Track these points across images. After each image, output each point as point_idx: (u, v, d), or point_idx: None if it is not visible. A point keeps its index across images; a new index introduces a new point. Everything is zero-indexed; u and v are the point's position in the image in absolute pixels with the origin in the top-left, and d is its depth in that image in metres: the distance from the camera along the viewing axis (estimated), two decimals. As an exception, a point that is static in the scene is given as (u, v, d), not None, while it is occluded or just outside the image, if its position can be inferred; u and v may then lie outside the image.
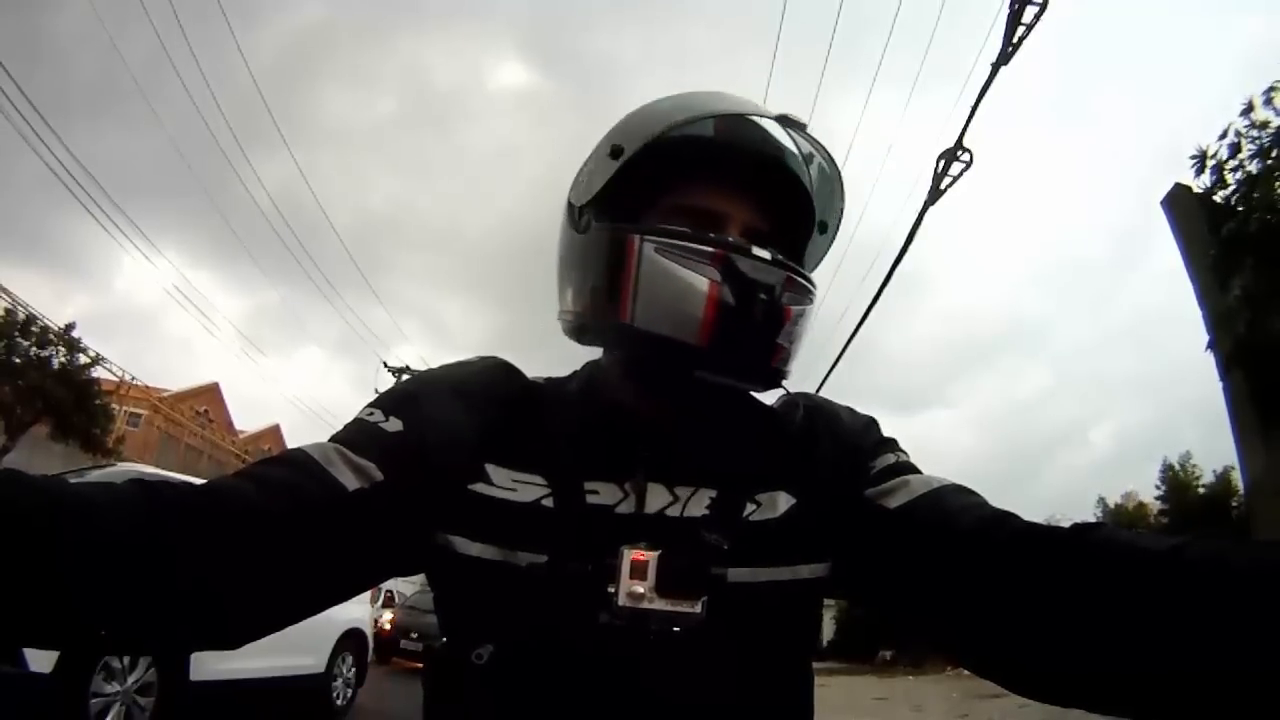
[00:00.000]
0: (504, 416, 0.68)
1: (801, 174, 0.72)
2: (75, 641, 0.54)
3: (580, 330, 0.71)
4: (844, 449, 0.70)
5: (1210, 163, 5.21)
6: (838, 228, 0.77)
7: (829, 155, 0.71)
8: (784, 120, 0.68)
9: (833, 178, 0.73)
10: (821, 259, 0.78)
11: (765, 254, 0.64)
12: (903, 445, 0.73)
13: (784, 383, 0.69)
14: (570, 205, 0.71)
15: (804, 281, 0.66)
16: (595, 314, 0.67)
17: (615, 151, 0.66)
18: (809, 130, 0.69)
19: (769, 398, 0.77)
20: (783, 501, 0.66)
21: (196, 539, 0.51)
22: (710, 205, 0.67)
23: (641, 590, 0.58)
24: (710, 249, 0.62)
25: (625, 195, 0.67)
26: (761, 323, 0.63)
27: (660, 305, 0.62)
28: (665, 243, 0.63)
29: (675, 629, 0.58)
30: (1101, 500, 15.22)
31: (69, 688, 3.80)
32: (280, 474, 0.58)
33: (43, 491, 0.47)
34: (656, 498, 0.64)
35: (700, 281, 0.61)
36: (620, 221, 0.67)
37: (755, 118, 0.70)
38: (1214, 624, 0.44)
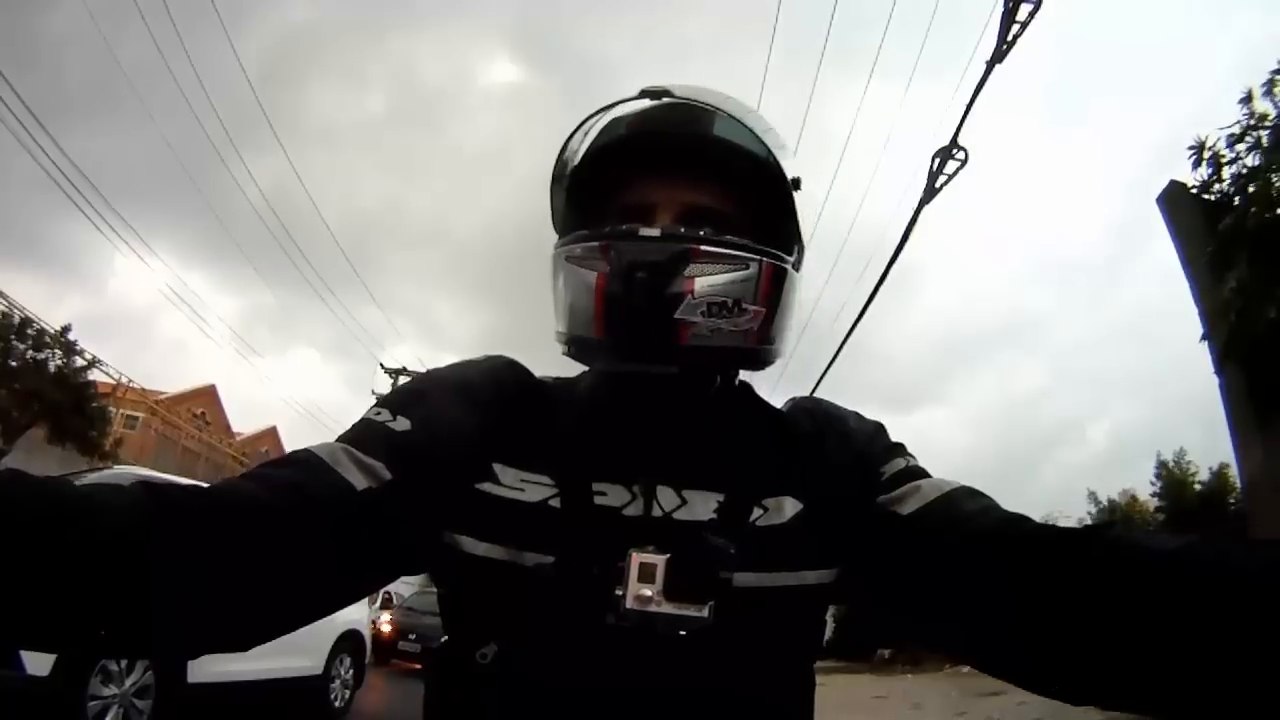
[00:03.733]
0: (512, 416, 0.68)
1: (735, 136, 0.68)
2: (76, 643, 0.53)
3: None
4: (853, 455, 0.70)
5: (1207, 154, 5.20)
6: (783, 175, 0.69)
7: (725, 105, 0.68)
8: (648, 94, 0.68)
9: (746, 124, 0.68)
10: (795, 209, 0.70)
11: (653, 231, 0.63)
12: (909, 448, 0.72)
13: (764, 361, 0.69)
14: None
15: (722, 249, 0.63)
16: (559, 330, 0.70)
17: (555, 179, 0.72)
18: (675, 92, 0.68)
19: (776, 402, 0.77)
20: (789, 507, 0.66)
21: (203, 540, 0.50)
22: (639, 199, 0.68)
23: (649, 593, 0.58)
24: (597, 242, 0.64)
25: (579, 212, 0.71)
26: (646, 302, 0.61)
27: (569, 308, 0.67)
28: (568, 249, 0.67)
29: (681, 632, 0.58)
30: (1093, 495, 15.10)
31: (66, 691, 3.79)
32: (288, 475, 0.57)
33: (45, 492, 0.47)
34: (664, 500, 0.64)
35: (590, 275, 0.64)
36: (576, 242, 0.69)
37: (634, 103, 0.69)
38: (1223, 622, 0.45)
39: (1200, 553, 0.49)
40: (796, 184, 0.70)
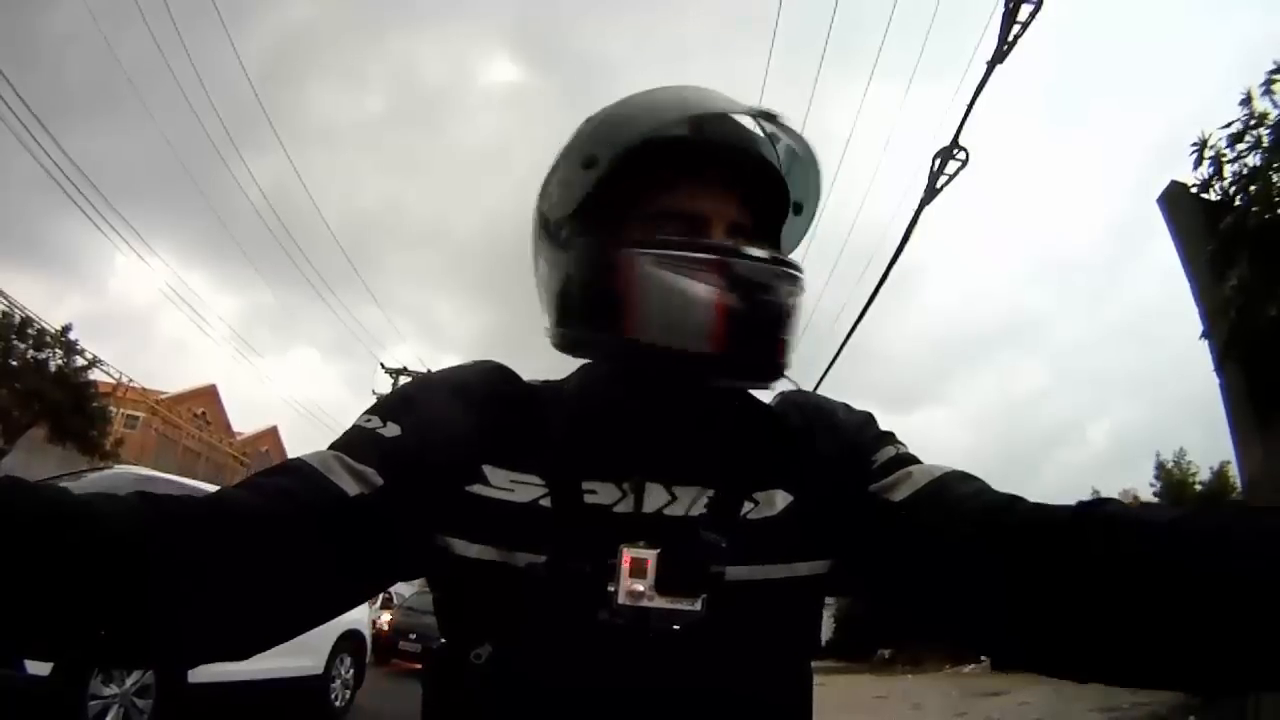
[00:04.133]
0: (501, 418, 0.68)
1: (773, 159, 0.72)
2: (74, 648, 0.53)
3: (575, 346, 0.70)
4: (843, 446, 0.70)
5: (1209, 153, 5.19)
6: (814, 210, 0.77)
7: (803, 140, 0.72)
8: (761, 115, 0.69)
9: (808, 162, 0.74)
10: (799, 240, 0.79)
11: (761, 253, 0.64)
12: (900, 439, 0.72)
13: (786, 374, 0.69)
14: (543, 217, 0.71)
15: (796, 273, 0.66)
16: (594, 332, 0.67)
17: (589, 162, 0.66)
18: (781, 119, 0.70)
19: (766, 396, 0.77)
20: (780, 500, 0.66)
21: (199, 548, 0.51)
22: (694, 208, 0.67)
23: (641, 589, 0.58)
24: (708, 255, 0.63)
25: (603, 204, 0.67)
26: (767, 323, 0.63)
27: (666, 318, 0.62)
28: (662, 255, 0.63)
29: (675, 627, 0.58)
30: (1096, 494, 15.12)
31: (67, 690, 3.80)
32: (281, 483, 0.58)
33: (43, 497, 0.47)
34: (654, 497, 0.64)
35: (704, 290, 0.62)
36: (601, 232, 0.67)
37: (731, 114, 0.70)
38: (1221, 592, 0.45)
39: (1197, 523, 0.50)
40: (798, 209, 0.75)
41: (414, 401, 0.67)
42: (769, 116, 0.70)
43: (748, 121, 0.72)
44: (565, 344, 0.71)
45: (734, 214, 0.68)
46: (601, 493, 0.64)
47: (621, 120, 0.67)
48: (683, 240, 0.64)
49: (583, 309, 0.67)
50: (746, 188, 0.70)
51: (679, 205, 0.67)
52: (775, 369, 0.66)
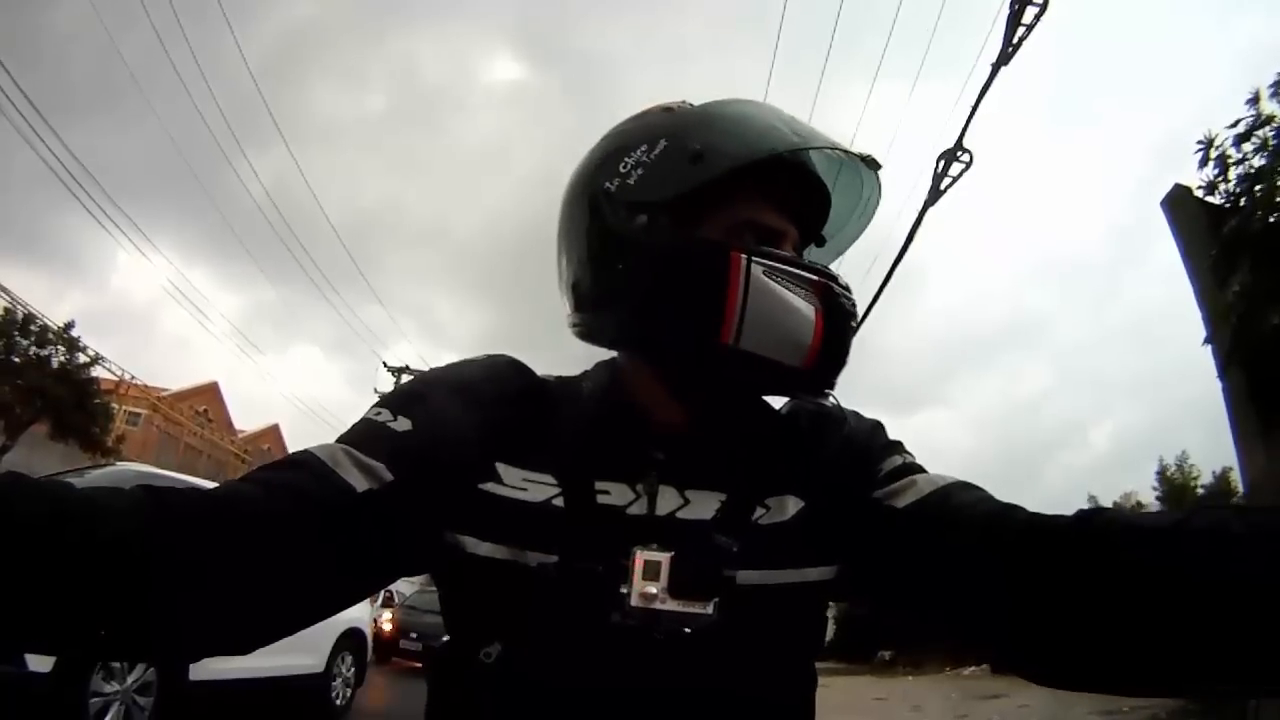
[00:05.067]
0: (514, 415, 0.67)
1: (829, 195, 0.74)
2: (75, 644, 0.53)
3: (635, 341, 0.69)
4: (851, 452, 0.70)
5: (1214, 153, 5.14)
6: (839, 250, 0.80)
7: (878, 197, 0.75)
8: (868, 161, 0.71)
9: (864, 215, 0.77)
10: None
11: (847, 284, 0.66)
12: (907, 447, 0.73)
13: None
14: (607, 196, 0.67)
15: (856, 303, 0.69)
16: (674, 330, 0.64)
17: (696, 156, 0.64)
18: (879, 172, 0.73)
19: (777, 402, 0.77)
20: (791, 505, 0.67)
21: (203, 543, 0.51)
22: (776, 225, 0.68)
23: (654, 591, 0.59)
24: (813, 276, 0.64)
25: (685, 199, 0.65)
26: (846, 347, 0.66)
27: (770, 329, 0.62)
28: (772, 266, 0.63)
29: (685, 630, 0.59)
30: (1093, 500, 15.14)
31: (68, 687, 3.81)
32: (287, 477, 0.57)
33: (45, 493, 0.47)
34: (667, 500, 0.65)
35: (808, 309, 0.63)
36: (687, 228, 0.66)
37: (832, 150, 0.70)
38: (1220, 593, 0.45)
39: (1195, 526, 0.49)
40: (821, 242, 0.77)
41: (426, 396, 0.66)
42: (875, 165, 0.71)
43: (829, 159, 0.73)
44: (617, 336, 0.70)
45: (796, 235, 0.70)
46: (615, 494, 0.64)
47: (729, 125, 0.67)
48: (790, 256, 0.66)
49: (666, 305, 0.64)
50: (805, 212, 0.71)
51: (764, 219, 0.67)
52: (832, 384, 0.68)
